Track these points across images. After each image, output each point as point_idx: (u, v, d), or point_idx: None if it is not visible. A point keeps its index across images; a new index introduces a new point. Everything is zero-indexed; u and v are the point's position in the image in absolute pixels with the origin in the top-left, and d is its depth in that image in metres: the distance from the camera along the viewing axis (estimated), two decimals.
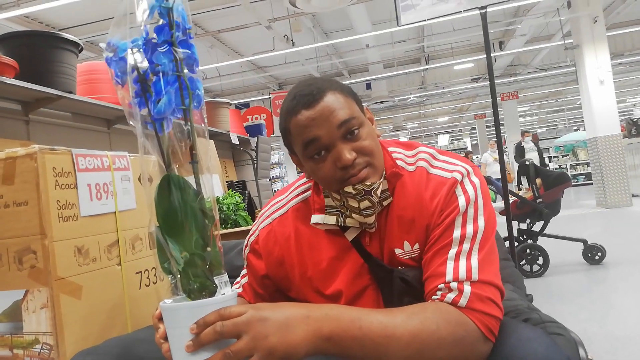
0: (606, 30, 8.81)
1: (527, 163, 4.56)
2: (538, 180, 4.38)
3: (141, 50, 0.68)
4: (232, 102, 4.28)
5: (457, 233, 0.82)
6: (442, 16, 2.74)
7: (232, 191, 2.51)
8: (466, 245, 0.81)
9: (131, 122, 0.69)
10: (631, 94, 20.04)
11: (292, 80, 13.69)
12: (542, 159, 10.53)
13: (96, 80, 2.43)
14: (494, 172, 10.73)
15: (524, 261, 4.08)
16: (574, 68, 9.52)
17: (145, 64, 0.67)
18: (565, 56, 11.54)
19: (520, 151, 10.64)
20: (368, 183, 0.84)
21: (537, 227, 4.34)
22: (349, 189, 0.84)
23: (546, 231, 4.29)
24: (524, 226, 4.39)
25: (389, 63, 12.54)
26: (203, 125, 0.72)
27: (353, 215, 0.88)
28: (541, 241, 4.21)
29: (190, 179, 0.71)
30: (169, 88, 0.67)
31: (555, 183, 4.34)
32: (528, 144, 10.81)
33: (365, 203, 0.85)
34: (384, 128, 21.52)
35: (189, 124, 0.69)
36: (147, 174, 0.73)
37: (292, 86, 0.90)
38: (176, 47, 0.68)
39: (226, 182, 3.30)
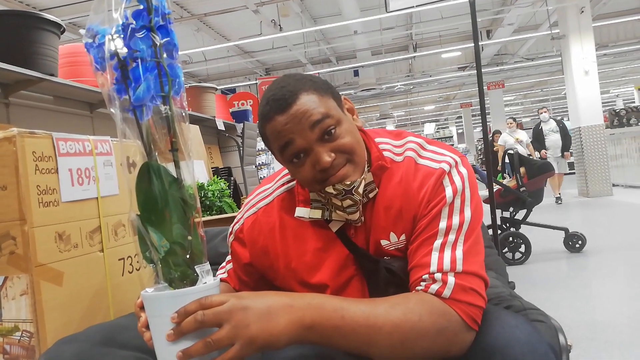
0: (592, 21, 8.88)
1: (510, 152, 4.61)
2: (522, 169, 4.44)
3: (121, 35, 0.66)
4: (218, 87, 4.23)
5: (443, 224, 0.82)
6: (430, 3, 2.73)
7: (217, 177, 2.49)
8: (452, 237, 0.81)
9: (111, 109, 0.68)
10: (614, 85, 20.30)
11: (279, 65, 13.58)
12: (566, 142, 8.13)
13: (79, 62, 2.38)
14: None
15: (506, 249, 4.15)
16: (560, 58, 9.60)
17: (125, 50, 0.66)
18: (551, 46, 11.63)
19: (537, 135, 8.34)
20: (348, 182, 0.83)
21: (519, 215, 4.40)
22: (329, 189, 0.84)
23: (528, 219, 4.36)
24: (507, 214, 4.45)
25: (376, 50, 12.51)
26: (183, 111, 0.71)
27: (337, 211, 0.88)
28: (523, 229, 4.28)
29: (172, 167, 0.70)
30: (147, 75, 0.65)
31: (538, 172, 4.40)
32: (548, 124, 8.26)
33: (347, 202, 0.85)
34: (371, 116, 21.54)
35: (169, 111, 0.68)
36: (129, 160, 0.72)
37: (267, 88, 0.87)
38: (155, 33, 0.66)
39: (211, 168, 3.28)
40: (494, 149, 9.19)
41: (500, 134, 9.76)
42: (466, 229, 0.82)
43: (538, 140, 8.32)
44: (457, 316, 0.75)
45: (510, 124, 8.71)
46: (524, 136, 8.47)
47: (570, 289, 3.28)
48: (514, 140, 8.30)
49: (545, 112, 8.39)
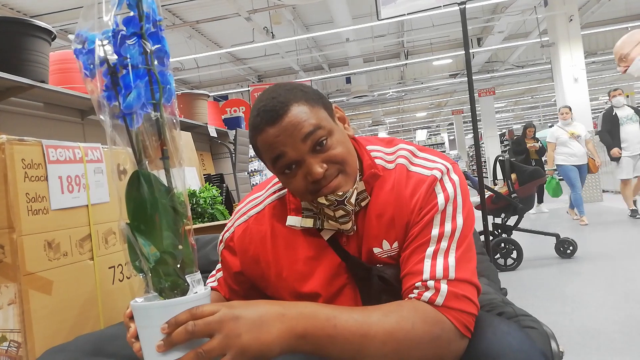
0: (581, 29, 9.00)
1: (502, 159, 4.64)
2: (513, 176, 4.46)
3: (111, 42, 0.66)
4: (210, 94, 4.23)
5: (435, 231, 0.82)
6: (421, 11, 2.75)
7: (209, 184, 2.48)
8: (444, 244, 0.81)
9: (101, 117, 0.67)
10: (603, 92, 20.50)
11: (271, 72, 13.61)
12: None
13: (69, 69, 2.37)
14: (571, 154, 6.04)
15: (498, 255, 4.16)
16: (550, 65, 9.70)
17: (115, 56, 0.65)
18: (541, 54, 11.76)
19: (610, 121, 6.06)
20: (340, 193, 0.83)
21: (511, 221, 4.42)
22: (321, 200, 0.84)
23: (520, 225, 4.38)
24: (498, 220, 4.47)
25: (368, 57, 12.58)
26: (174, 118, 0.70)
27: (330, 221, 0.88)
28: (515, 235, 4.29)
29: (163, 174, 0.69)
30: (138, 82, 0.65)
31: (529, 178, 4.42)
32: (623, 111, 6.02)
33: (340, 212, 0.84)
34: (363, 122, 21.60)
35: (160, 118, 0.67)
36: (119, 167, 0.71)
37: (257, 98, 0.87)
38: (145, 40, 0.66)
39: (204, 175, 3.27)
40: (528, 146, 7.48)
41: (533, 127, 7.78)
42: (458, 236, 0.82)
43: (611, 132, 6.01)
44: (450, 324, 0.75)
45: (565, 114, 6.27)
46: (583, 129, 6.22)
47: (561, 295, 3.29)
48: (568, 135, 6.09)
49: (619, 94, 6.12)
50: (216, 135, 3.73)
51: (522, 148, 7.66)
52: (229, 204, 2.72)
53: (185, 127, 3.44)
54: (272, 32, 8.92)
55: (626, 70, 2.42)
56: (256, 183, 5.09)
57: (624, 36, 2.50)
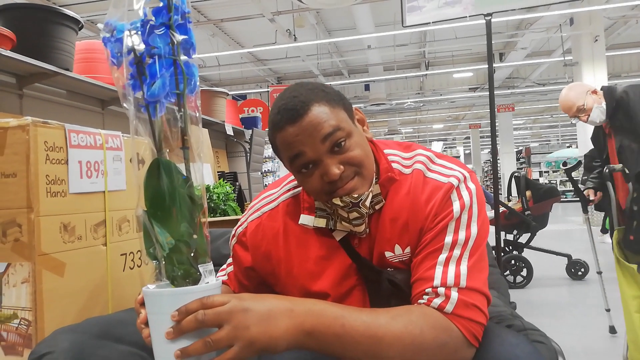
0: (605, 50, 8.90)
1: (517, 175, 4.60)
2: (528, 193, 4.42)
3: (139, 32, 0.67)
4: (229, 93, 4.26)
5: (448, 238, 0.82)
6: (447, 20, 2.74)
7: (222, 181, 2.50)
8: (457, 251, 0.81)
9: (125, 105, 0.68)
10: None
11: (291, 75, 13.66)
12: None
13: (94, 59, 2.40)
14: None
15: (508, 272, 4.11)
16: None
17: (142, 46, 0.66)
18: (563, 72, 11.63)
19: None
20: (355, 195, 0.83)
21: (523, 239, 4.37)
22: (336, 201, 0.84)
23: (532, 244, 4.33)
24: (510, 237, 4.43)
25: (389, 66, 12.56)
26: (197, 113, 0.71)
27: (343, 222, 0.88)
28: (526, 253, 4.24)
29: (182, 166, 0.70)
30: (164, 71, 0.66)
31: (544, 196, 4.38)
32: None
33: (354, 214, 0.85)
34: (379, 131, 21.55)
35: (182, 109, 0.68)
36: (138, 156, 0.72)
37: (278, 96, 0.87)
38: (173, 31, 0.67)
39: (217, 172, 3.29)
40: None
41: None
42: (472, 244, 0.81)
43: None
44: (458, 332, 0.75)
45: None
46: None
47: (570, 316, 3.24)
48: None
49: None
50: (232, 134, 3.75)
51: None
52: (241, 203, 2.73)
53: (202, 123, 3.46)
54: (294, 35, 8.96)
55: (587, 118, 2.60)
56: (268, 183, 5.10)
57: (565, 91, 2.67)
